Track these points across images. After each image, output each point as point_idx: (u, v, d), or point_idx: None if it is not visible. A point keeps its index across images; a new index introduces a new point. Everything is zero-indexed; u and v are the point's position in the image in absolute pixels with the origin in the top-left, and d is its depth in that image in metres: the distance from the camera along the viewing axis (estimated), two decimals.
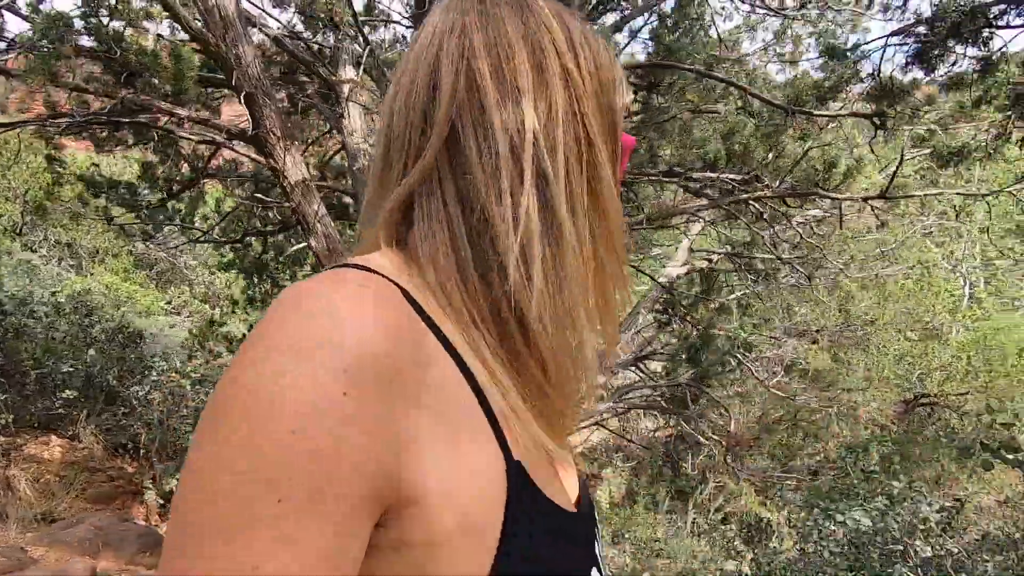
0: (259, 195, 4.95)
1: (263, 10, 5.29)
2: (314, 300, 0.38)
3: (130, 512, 5.39)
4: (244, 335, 10.07)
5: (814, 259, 5.60)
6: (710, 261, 6.31)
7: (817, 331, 8.93)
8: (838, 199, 4.10)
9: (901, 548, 2.52)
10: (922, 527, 2.56)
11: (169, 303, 15.76)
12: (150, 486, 5.39)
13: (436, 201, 0.47)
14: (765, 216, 4.85)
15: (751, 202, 4.85)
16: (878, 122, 3.53)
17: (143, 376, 5.83)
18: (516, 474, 0.42)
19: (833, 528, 2.93)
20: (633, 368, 6.92)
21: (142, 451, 5.73)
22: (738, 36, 5.51)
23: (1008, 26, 2.40)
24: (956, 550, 2.48)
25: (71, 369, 5.57)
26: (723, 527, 5.63)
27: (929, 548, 2.50)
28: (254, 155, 4.63)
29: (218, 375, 8.73)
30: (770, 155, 4.41)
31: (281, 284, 10.21)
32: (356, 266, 0.45)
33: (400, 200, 0.48)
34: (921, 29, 2.66)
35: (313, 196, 4.62)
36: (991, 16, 2.43)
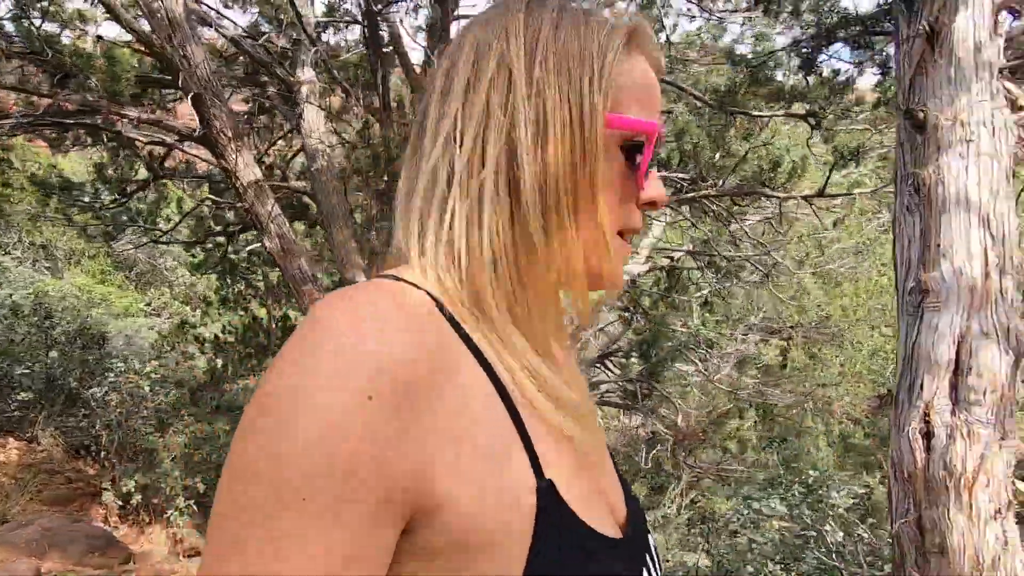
0: (211, 196, 4.95)
1: (218, 12, 5.28)
2: (345, 312, 0.39)
3: (88, 514, 5.37)
4: (216, 336, 10.01)
5: (769, 257, 5.68)
6: (672, 259, 6.37)
7: (791, 327, 9.02)
8: (779, 197, 4.17)
9: (815, 534, 2.60)
10: (831, 513, 2.65)
11: (149, 304, 15.63)
12: (108, 488, 5.37)
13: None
14: (717, 214, 4.92)
15: (703, 200, 4.91)
16: (813, 122, 3.59)
17: (103, 378, 5.82)
18: (547, 493, 0.42)
19: (761, 517, 3.00)
20: (599, 365, 6.98)
21: (102, 453, 5.72)
22: (694, 39, 5.58)
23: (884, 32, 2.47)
24: (866, 535, 2.56)
25: (28, 371, 5.54)
26: (677, 519, 5.72)
27: (841, 533, 2.59)
28: (205, 156, 4.63)
29: (188, 376, 8.69)
30: (717, 155, 4.47)
31: (254, 284, 10.21)
32: (394, 277, 0.46)
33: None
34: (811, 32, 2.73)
35: (266, 196, 4.64)
36: (868, 23, 2.50)
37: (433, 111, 0.51)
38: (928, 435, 1.44)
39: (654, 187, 0.52)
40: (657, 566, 0.54)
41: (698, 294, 6.97)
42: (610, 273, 0.50)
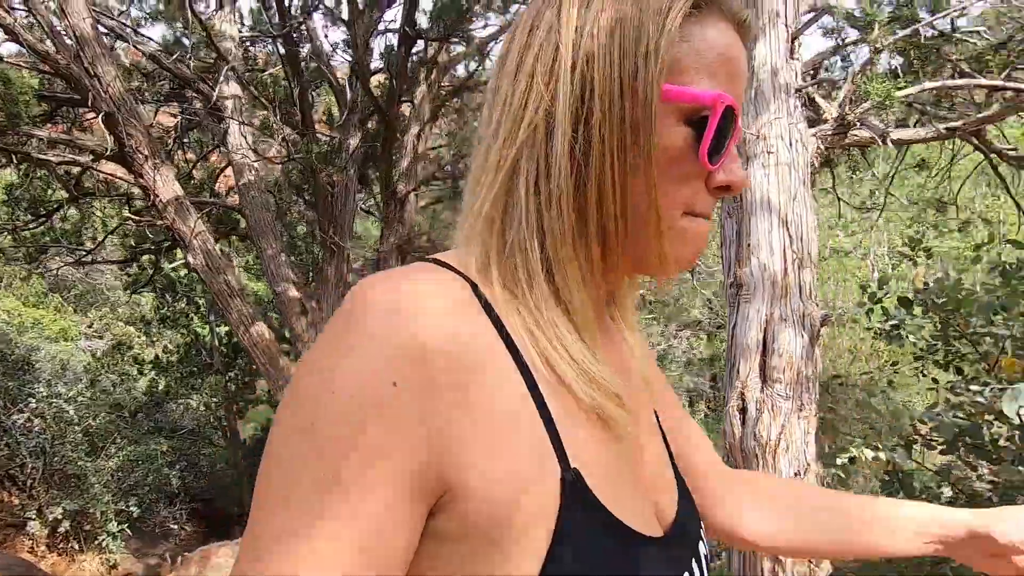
0: (130, 215, 4.90)
1: (134, 29, 5.24)
2: (378, 296, 0.40)
3: (13, 545, 5.20)
4: (157, 356, 9.72)
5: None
6: None
7: (829, 319, 9.39)
8: None
9: None
10: None
11: (90, 326, 15.07)
12: (34, 517, 5.22)
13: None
14: None
15: None
16: None
17: (24, 404, 5.64)
18: (572, 484, 0.41)
19: None
20: None
21: (28, 481, 5.54)
22: None
23: None
24: None
25: None
26: None
27: None
28: (121, 174, 4.59)
29: (126, 399, 8.47)
30: None
31: (195, 300, 10.03)
32: (435, 261, 0.46)
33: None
34: None
35: (188, 213, 4.62)
36: None
37: (490, 89, 0.50)
38: (743, 410, 1.62)
39: (730, 170, 0.47)
40: (704, 573, 0.51)
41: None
42: (671, 257, 0.46)
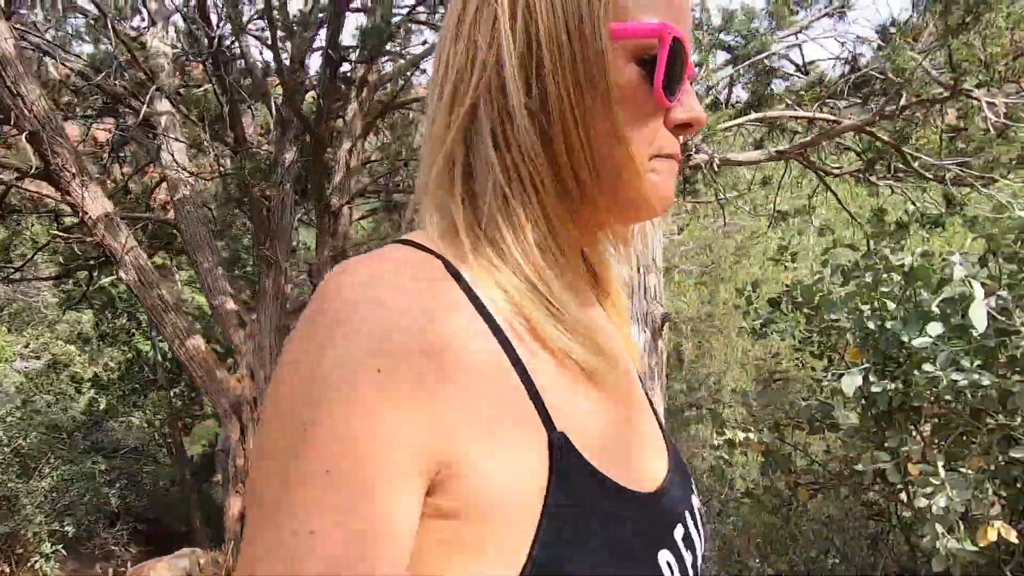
0: (58, 232, 4.89)
1: (59, 46, 5.23)
2: (352, 283, 0.39)
3: None
4: (96, 374, 9.46)
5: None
6: None
7: (669, 318, 9.80)
8: None
9: None
10: None
11: (27, 346, 14.48)
12: None
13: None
14: None
15: None
16: None
17: None
18: (560, 447, 0.41)
19: None
20: None
21: None
22: None
23: None
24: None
25: None
26: None
27: None
28: (48, 192, 4.58)
29: (62, 419, 8.25)
30: None
31: (136, 316, 9.84)
32: (404, 241, 0.45)
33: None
34: None
35: (118, 229, 4.65)
36: None
37: (434, 61, 0.49)
38: None
39: (688, 106, 0.46)
40: (698, 528, 0.51)
41: None
42: (651, 197, 0.46)
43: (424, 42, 5.94)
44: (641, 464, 0.48)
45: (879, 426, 2.55)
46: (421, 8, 5.49)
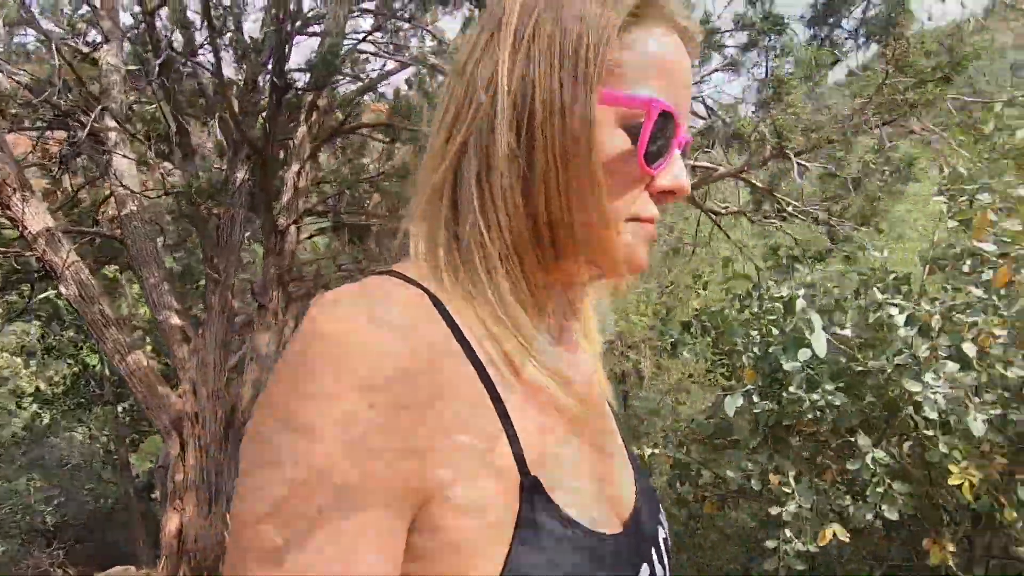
0: None
1: (6, 61, 5.25)
2: (337, 318, 0.39)
3: None
4: (38, 388, 9.23)
5: None
6: None
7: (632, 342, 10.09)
8: None
9: None
10: None
11: None
12: None
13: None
14: None
15: None
16: None
17: None
18: (531, 489, 0.42)
19: None
20: None
21: None
22: None
23: None
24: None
25: None
26: None
27: None
28: None
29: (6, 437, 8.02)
30: None
31: (84, 329, 9.62)
32: (389, 272, 0.46)
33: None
34: None
35: (59, 244, 4.66)
36: None
37: (442, 91, 0.50)
38: None
39: (673, 175, 0.48)
40: (664, 561, 0.52)
41: None
42: (620, 259, 0.47)
43: (383, 67, 6.13)
44: (610, 503, 0.49)
45: (764, 442, 2.79)
46: (379, 34, 5.69)
